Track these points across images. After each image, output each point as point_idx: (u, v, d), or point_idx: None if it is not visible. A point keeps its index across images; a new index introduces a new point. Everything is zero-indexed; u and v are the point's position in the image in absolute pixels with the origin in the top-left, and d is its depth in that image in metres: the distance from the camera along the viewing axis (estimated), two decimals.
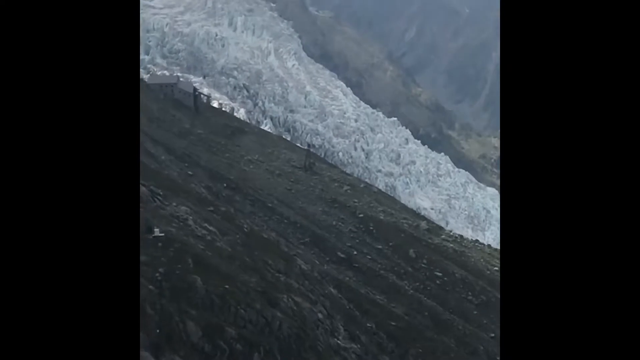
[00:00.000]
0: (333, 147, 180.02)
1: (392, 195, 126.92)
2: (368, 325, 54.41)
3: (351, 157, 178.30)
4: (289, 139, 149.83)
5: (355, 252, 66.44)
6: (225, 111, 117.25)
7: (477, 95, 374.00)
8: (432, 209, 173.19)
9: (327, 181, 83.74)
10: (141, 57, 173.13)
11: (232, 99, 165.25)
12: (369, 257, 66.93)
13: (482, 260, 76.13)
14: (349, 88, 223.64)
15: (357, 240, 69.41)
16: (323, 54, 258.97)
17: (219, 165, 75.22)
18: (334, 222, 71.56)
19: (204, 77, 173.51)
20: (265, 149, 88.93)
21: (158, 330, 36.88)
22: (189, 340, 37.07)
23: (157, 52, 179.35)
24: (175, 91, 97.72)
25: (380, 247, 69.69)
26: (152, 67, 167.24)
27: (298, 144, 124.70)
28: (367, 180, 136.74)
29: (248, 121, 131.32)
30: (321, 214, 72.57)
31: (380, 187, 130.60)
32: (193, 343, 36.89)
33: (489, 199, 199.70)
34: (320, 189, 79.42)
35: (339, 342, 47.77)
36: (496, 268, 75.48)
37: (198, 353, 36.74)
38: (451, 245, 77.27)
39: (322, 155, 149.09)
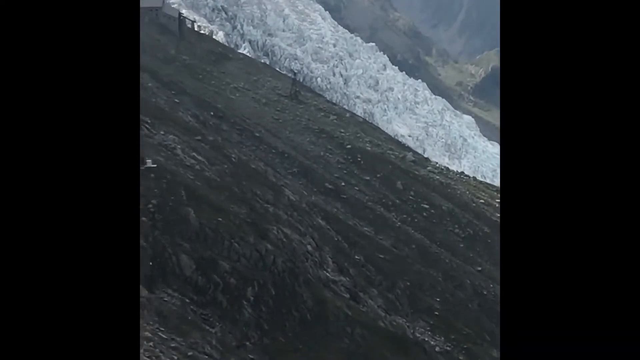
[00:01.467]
0: (312, 72, 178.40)
1: (370, 121, 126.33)
2: (356, 257, 54.60)
3: (330, 82, 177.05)
4: (267, 63, 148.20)
5: (343, 184, 66.33)
6: (209, 36, 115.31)
7: (453, 20, 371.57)
8: (409, 136, 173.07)
9: (313, 110, 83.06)
10: None
11: (211, 21, 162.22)
12: (357, 188, 66.88)
13: (467, 192, 76.31)
14: (327, 12, 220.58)
15: (345, 172, 69.26)
16: None
17: (206, 92, 74.25)
18: (322, 153, 71.23)
19: None
20: (250, 76, 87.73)
21: (151, 264, 36.61)
22: (182, 273, 36.87)
23: None
24: (160, 15, 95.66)
25: (367, 178, 69.61)
26: None
27: (281, 71, 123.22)
28: (345, 106, 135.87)
29: (227, 44, 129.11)
30: (309, 144, 72.16)
31: (358, 114, 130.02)
32: (186, 276, 36.76)
33: (465, 127, 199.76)
34: (307, 119, 78.78)
35: (328, 274, 47.86)
36: (482, 201, 75.78)
37: (191, 287, 36.62)
38: (437, 177, 77.32)
39: (301, 80, 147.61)
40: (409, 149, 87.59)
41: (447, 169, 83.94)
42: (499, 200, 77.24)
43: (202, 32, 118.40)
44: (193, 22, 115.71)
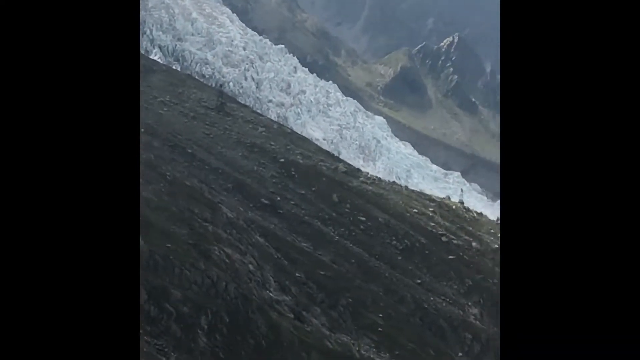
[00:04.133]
0: (223, 77, 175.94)
1: (284, 124, 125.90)
2: (297, 275, 54.26)
3: (242, 87, 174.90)
4: (178, 69, 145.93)
5: (278, 198, 65.76)
6: None
7: (356, 18, 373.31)
8: (324, 139, 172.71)
9: (241, 123, 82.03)
10: None
11: None
12: (293, 202, 66.33)
13: (401, 202, 76.46)
14: (234, 14, 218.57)
15: (280, 186, 68.62)
16: None
17: None
18: (255, 167, 70.39)
19: None
20: (175, 88, 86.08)
21: None
22: None
23: None
24: None
25: (303, 192, 69.10)
26: None
27: (199, 79, 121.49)
28: (259, 111, 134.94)
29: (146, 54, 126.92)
30: (241, 159, 71.21)
31: (272, 118, 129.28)
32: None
33: (378, 128, 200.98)
34: (237, 132, 77.75)
35: (271, 294, 47.41)
36: (415, 210, 76.00)
37: (144, 317, 35.68)
38: (370, 187, 77.23)
39: (213, 86, 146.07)
40: (339, 159, 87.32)
41: (379, 179, 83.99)
42: (432, 210, 77.67)
43: None
44: None
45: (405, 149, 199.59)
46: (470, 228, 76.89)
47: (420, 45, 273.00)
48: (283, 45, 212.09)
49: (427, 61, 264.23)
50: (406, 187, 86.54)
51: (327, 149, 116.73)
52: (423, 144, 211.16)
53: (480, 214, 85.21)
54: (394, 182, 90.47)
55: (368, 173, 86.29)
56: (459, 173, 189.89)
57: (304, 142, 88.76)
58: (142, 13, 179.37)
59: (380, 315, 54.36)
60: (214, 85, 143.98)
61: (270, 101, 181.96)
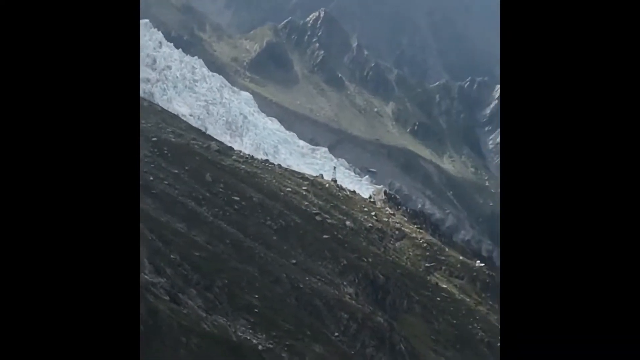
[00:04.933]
0: None
1: (150, 100, 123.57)
2: (172, 256, 53.55)
3: None
4: None
5: (151, 178, 64.54)
6: None
7: None
8: (190, 115, 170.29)
9: None
10: None
11: None
12: (166, 182, 65.28)
13: (274, 181, 76.34)
14: None
15: (152, 165, 67.32)
16: None
17: None
18: None
19: None
20: None
21: None
22: None
23: None
24: None
25: (176, 171, 68.11)
26: None
27: None
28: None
29: None
30: None
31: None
32: None
33: (244, 104, 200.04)
34: None
35: (146, 277, 46.53)
36: (289, 189, 76.06)
37: None
38: (243, 166, 76.76)
39: None
40: (211, 137, 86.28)
41: (252, 157, 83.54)
42: (305, 188, 77.92)
43: None
44: None
45: (272, 125, 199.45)
46: (344, 207, 77.59)
47: (286, 20, 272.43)
48: (148, 20, 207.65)
49: (293, 36, 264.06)
50: (279, 166, 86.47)
51: (195, 125, 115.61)
52: (290, 119, 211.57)
53: (354, 192, 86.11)
54: (267, 160, 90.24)
55: (240, 151, 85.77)
56: (326, 149, 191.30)
57: (175, 119, 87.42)
58: None
59: (256, 296, 54.21)
60: None
61: None
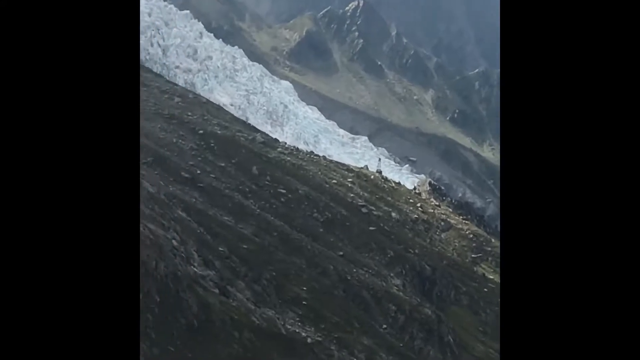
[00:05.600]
0: None
1: (192, 90, 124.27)
2: (220, 249, 53.88)
3: (149, 53, 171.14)
4: None
5: (198, 172, 65.02)
6: None
7: None
8: (231, 105, 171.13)
9: (157, 93, 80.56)
10: None
11: None
12: (213, 176, 65.70)
13: (320, 173, 76.52)
14: None
15: (200, 159, 67.80)
16: None
17: None
18: (174, 140, 69.30)
19: None
20: None
21: None
22: None
23: None
24: None
25: (223, 164, 68.48)
26: None
27: None
28: (166, 77, 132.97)
29: None
30: (160, 131, 69.98)
31: (179, 84, 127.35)
32: None
33: (285, 93, 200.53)
34: (153, 103, 76.30)
35: (195, 270, 47.02)
36: (335, 181, 76.21)
37: None
38: (288, 158, 77.00)
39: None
40: (256, 129, 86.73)
41: (297, 149, 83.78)
42: (350, 180, 78.04)
43: None
44: None
45: (312, 114, 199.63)
46: (389, 198, 77.56)
47: (325, 10, 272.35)
48: (188, 11, 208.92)
49: (332, 25, 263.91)
50: (324, 157, 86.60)
51: (236, 114, 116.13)
52: (330, 108, 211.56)
53: (399, 183, 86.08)
54: (311, 152, 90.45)
55: (285, 143, 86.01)
56: (366, 137, 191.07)
57: (220, 111, 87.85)
58: None
59: (304, 288, 54.36)
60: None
61: (177, 67, 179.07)
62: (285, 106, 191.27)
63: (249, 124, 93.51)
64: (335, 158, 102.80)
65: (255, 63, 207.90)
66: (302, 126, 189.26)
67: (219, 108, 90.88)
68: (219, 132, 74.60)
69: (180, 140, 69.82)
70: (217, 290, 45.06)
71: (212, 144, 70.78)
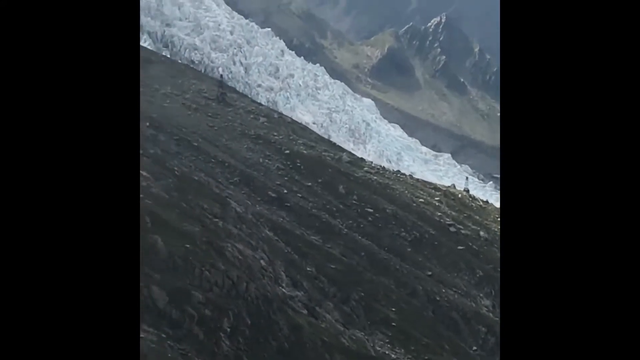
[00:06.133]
0: (212, 62, 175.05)
1: (273, 108, 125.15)
2: (308, 269, 53.82)
3: (231, 72, 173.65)
4: (168, 55, 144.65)
5: (285, 191, 65.22)
6: None
7: None
8: (314, 123, 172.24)
9: (242, 113, 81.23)
10: None
11: None
12: (300, 195, 65.82)
13: (407, 192, 75.98)
14: None
15: (286, 178, 68.03)
16: None
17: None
18: (261, 159, 69.71)
19: None
20: (175, 79, 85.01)
21: None
22: (155, 306, 35.55)
23: None
24: None
25: (309, 184, 68.56)
26: None
27: (205, 73, 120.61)
28: (248, 95, 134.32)
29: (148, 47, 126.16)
30: (246, 151, 70.50)
31: (262, 102, 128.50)
32: (159, 310, 35.43)
33: (367, 111, 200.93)
34: (239, 123, 76.99)
35: (284, 290, 47.02)
36: (422, 200, 75.57)
37: (166, 320, 35.27)
38: (375, 177, 76.75)
39: (202, 71, 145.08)
40: (342, 149, 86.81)
41: (383, 168, 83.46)
42: (438, 199, 77.25)
43: None
44: None
45: (394, 131, 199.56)
46: (477, 217, 76.57)
47: (407, 26, 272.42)
48: (269, 29, 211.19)
49: (414, 42, 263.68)
50: (410, 176, 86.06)
51: (318, 133, 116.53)
52: (412, 125, 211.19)
53: (486, 202, 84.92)
54: (398, 170, 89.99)
55: (372, 162, 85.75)
56: (449, 155, 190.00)
57: (305, 131, 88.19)
58: None
59: (393, 309, 53.88)
60: (203, 70, 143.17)
61: (259, 86, 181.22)
62: (368, 124, 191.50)
63: (335, 143, 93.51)
64: (418, 176, 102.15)
65: (336, 81, 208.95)
66: (384, 144, 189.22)
67: (304, 128, 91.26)
68: (305, 151, 74.84)
69: (266, 160, 70.25)
70: (305, 311, 45.08)
71: (298, 164, 71.01)
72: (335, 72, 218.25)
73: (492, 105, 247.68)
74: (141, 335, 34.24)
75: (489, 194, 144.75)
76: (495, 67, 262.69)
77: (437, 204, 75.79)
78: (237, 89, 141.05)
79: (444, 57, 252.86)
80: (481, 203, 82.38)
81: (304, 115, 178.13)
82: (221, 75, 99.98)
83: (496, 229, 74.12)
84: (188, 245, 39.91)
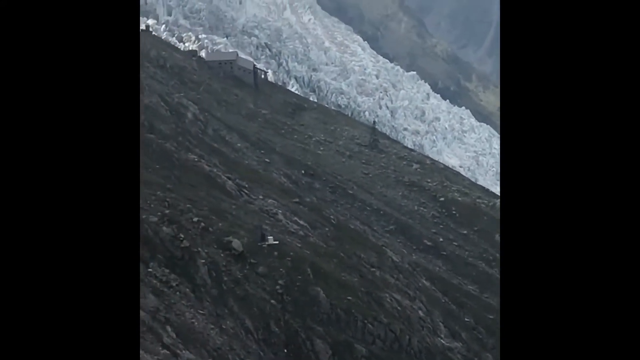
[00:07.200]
0: (359, 106, 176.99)
1: (420, 152, 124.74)
2: (466, 320, 53.11)
3: (377, 116, 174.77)
4: (315, 99, 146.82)
5: (441, 239, 64.80)
6: (282, 87, 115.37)
7: (482, 40, 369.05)
8: (460, 166, 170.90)
9: (395, 159, 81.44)
10: (164, 18, 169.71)
11: (256, 59, 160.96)
12: (455, 243, 65.26)
13: None
14: (365, 42, 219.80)
15: (441, 226, 67.67)
16: (337, 7, 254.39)
17: (293, 149, 72.91)
18: (416, 207, 69.59)
19: (227, 37, 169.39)
20: (327, 126, 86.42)
21: (285, 350, 35.45)
22: (318, 359, 35.70)
23: (179, 13, 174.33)
24: (235, 68, 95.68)
25: (465, 232, 67.96)
26: (176, 28, 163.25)
27: (358, 119, 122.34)
28: (393, 137, 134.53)
29: (299, 93, 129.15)
30: (402, 199, 70.57)
31: (408, 146, 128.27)
32: None
33: None
34: (393, 170, 77.21)
35: (442, 341, 46.36)
36: None
37: None
38: None
39: (350, 115, 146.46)
40: (495, 195, 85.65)
41: None
42: None
43: (273, 81, 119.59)
44: (265, 72, 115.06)
45: None
46: None
47: None
48: (415, 72, 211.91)
49: None
50: None
51: (465, 176, 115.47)
52: None
53: None
54: None
55: None
56: None
57: (458, 177, 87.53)
58: (277, 44, 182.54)
59: None
60: (350, 114, 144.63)
61: (405, 129, 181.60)
62: None
63: (488, 189, 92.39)
64: None
65: (482, 123, 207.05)
66: None
67: (456, 173, 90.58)
68: (459, 198, 74.15)
69: (421, 208, 70.02)
70: None
71: (453, 211, 70.42)
72: (481, 115, 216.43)
73: None
74: None
75: None
76: None
77: None
78: (384, 132, 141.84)
79: None
80: None
81: (450, 158, 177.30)
82: (374, 122, 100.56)
83: None
84: (350, 298, 40.03)
